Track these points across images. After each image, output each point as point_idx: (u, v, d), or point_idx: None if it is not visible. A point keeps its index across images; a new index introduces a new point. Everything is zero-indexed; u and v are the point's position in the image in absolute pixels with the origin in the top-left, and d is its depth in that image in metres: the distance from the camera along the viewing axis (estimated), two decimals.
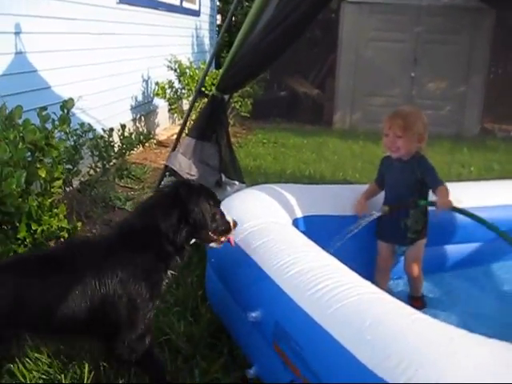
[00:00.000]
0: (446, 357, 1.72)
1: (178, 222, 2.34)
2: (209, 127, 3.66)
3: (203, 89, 4.03)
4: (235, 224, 2.59)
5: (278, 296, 2.31)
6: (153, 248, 2.35)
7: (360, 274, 2.36)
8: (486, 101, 10.38)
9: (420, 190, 3.33)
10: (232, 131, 9.02)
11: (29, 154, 3.17)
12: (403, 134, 3.25)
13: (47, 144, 3.16)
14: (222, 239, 2.57)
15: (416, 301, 3.46)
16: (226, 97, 3.71)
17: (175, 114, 8.85)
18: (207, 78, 7.23)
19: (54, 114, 3.50)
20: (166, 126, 9.05)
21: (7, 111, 3.22)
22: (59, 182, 3.33)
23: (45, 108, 3.37)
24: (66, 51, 5.44)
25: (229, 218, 2.56)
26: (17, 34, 4.61)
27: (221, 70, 3.88)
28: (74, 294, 2.20)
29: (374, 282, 2.70)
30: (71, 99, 3.62)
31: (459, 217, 3.69)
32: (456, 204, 3.43)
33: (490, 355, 1.75)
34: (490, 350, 1.77)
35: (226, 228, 2.55)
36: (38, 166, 3.14)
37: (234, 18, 11.59)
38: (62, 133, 3.83)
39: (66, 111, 3.56)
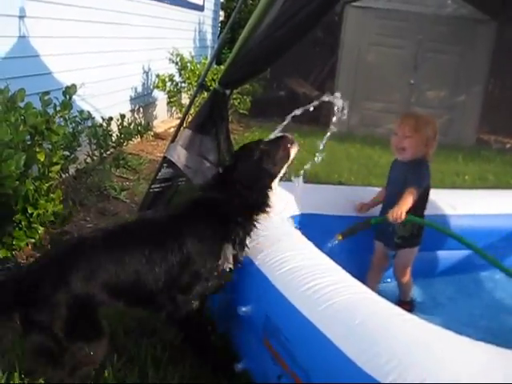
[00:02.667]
0: (433, 357, 1.75)
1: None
2: (209, 121, 3.66)
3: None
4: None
5: (269, 292, 2.34)
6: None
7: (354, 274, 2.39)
8: (483, 112, 10.42)
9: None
10: (230, 128, 9.03)
11: (29, 137, 3.18)
12: (412, 134, 3.26)
13: (47, 128, 3.17)
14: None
15: (404, 305, 3.48)
16: (228, 92, 3.72)
17: (174, 108, 8.86)
18: (209, 72, 7.25)
19: (56, 98, 3.51)
20: (164, 118, 9.05)
21: (10, 94, 3.22)
22: (57, 167, 3.34)
23: (47, 93, 3.37)
24: (70, 38, 5.44)
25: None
26: (21, 17, 4.61)
27: (224, 64, 3.89)
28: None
29: (366, 280, 2.76)
30: (74, 85, 3.62)
31: (450, 224, 3.75)
32: (451, 210, 3.47)
33: (477, 356, 1.78)
34: (477, 352, 1.81)
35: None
36: (38, 149, 3.15)
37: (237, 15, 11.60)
38: (61, 119, 3.84)
39: (68, 97, 3.57)
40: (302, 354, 2.07)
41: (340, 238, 3.25)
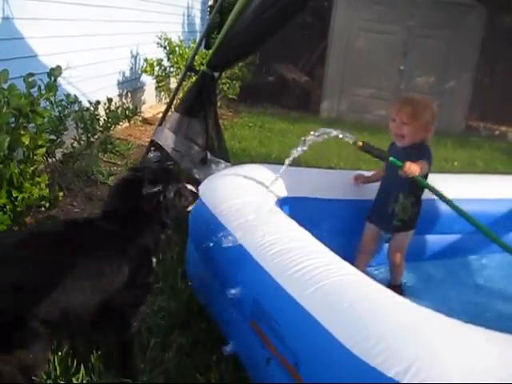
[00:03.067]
0: (423, 339, 1.74)
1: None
2: (197, 104, 3.63)
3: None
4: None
5: (257, 274, 2.31)
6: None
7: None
8: (472, 98, 10.45)
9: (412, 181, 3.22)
10: (218, 113, 8.99)
11: (13, 119, 3.12)
12: (410, 121, 3.22)
13: (32, 111, 3.11)
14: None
15: (394, 289, 3.47)
16: (216, 74, 3.68)
17: (162, 92, 8.78)
18: (196, 57, 7.18)
19: (42, 81, 3.44)
20: (152, 103, 8.97)
21: None
22: (42, 150, 3.28)
23: (31, 74, 3.30)
24: (56, 20, 5.34)
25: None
26: None
27: (213, 47, 3.84)
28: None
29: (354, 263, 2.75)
30: (59, 67, 3.55)
31: (441, 207, 3.74)
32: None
33: (467, 338, 1.77)
34: (467, 334, 1.79)
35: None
36: (22, 132, 3.09)
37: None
38: (47, 102, 3.78)
39: (53, 79, 3.50)
40: (290, 336, 2.05)
41: (361, 143, 3.10)
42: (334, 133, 2.91)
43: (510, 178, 4.41)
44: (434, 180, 3.28)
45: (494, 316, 3.25)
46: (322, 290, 2.03)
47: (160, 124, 3.75)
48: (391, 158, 3.13)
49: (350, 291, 2.02)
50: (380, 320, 1.84)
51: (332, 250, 2.41)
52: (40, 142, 3.19)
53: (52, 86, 3.39)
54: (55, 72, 3.53)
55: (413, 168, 3.03)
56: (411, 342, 1.73)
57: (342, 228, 3.55)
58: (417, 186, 3.27)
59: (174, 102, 4.07)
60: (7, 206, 3.11)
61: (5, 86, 3.13)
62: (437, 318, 1.87)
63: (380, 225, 3.52)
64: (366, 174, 3.65)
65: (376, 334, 1.76)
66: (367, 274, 3.25)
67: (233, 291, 2.40)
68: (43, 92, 3.39)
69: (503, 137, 10.46)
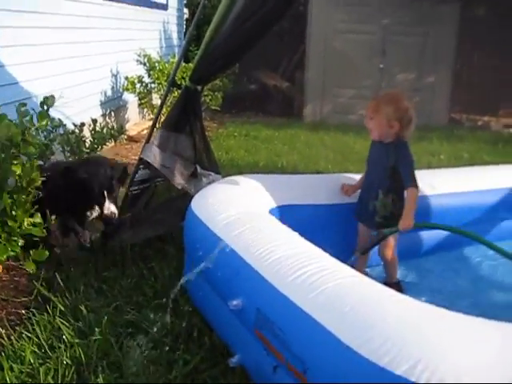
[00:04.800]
0: (428, 335, 1.76)
1: None
2: (183, 119, 3.64)
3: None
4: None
5: (258, 283, 2.31)
6: None
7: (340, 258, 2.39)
8: (453, 91, 10.51)
9: (393, 176, 3.31)
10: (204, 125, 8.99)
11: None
12: (374, 115, 3.32)
13: (23, 140, 3.09)
14: None
15: (391, 287, 3.48)
16: (200, 88, 3.70)
17: (145, 109, 8.79)
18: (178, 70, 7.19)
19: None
20: (136, 121, 8.98)
21: None
22: (37, 183, 3.24)
23: (24, 104, 3.28)
24: (33, 46, 5.33)
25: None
26: None
27: (194, 61, 3.86)
28: None
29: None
30: (52, 96, 3.55)
31: (431, 202, 3.77)
32: (430, 191, 3.49)
33: (473, 332, 1.79)
34: (471, 326, 1.81)
35: None
36: (15, 162, 3.07)
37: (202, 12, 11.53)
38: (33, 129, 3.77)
39: (46, 108, 3.49)
40: (296, 343, 2.05)
41: (358, 254, 3.36)
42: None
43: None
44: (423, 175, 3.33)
45: (493, 306, 3.28)
46: (323, 294, 2.04)
47: (147, 141, 3.75)
48: (386, 231, 3.25)
49: (351, 293, 2.04)
50: (384, 319, 1.85)
51: (330, 254, 2.43)
52: (33, 175, 3.15)
53: (44, 115, 3.37)
54: (48, 101, 3.52)
55: (406, 223, 3.15)
56: (416, 339, 1.75)
57: (336, 232, 3.56)
58: (397, 183, 3.31)
59: (159, 118, 4.07)
60: (2, 236, 3.09)
61: None
62: (439, 313, 1.89)
63: (365, 223, 3.55)
64: (352, 182, 3.66)
65: (381, 334, 1.77)
66: (367, 273, 3.31)
67: (234, 302, 2.40)
68: (33, 122, 3.35)
69: (486, 127, 10.54)
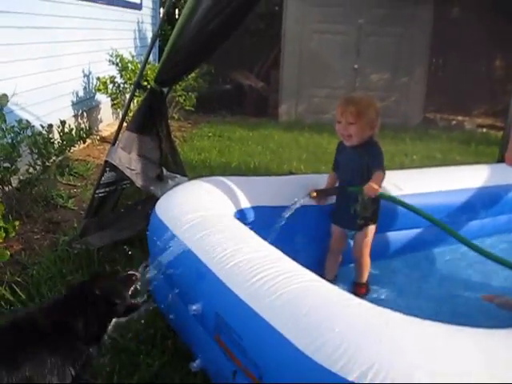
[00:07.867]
0: (381, 339, 1.75)
1: None
2: (148, 121, 3.61)
3: (145, 83, 4.00)
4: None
5: (217, 287, 2.30)
6: None
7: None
8: (427, 91, 10.59)
9: (368, 176, 3.27)
10: (177, 125, 8.96)
11: None
12: (355, 120, 3.25)
13: None
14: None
15: (360, 287, 3.50)
16: (166, 89, 3.67)
17: (118, 110, 8.71)
18: (149, 71, 7.15)
19: None
20: (109, 121, 8.89)
21: None
22: None
23: None
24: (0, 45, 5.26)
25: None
26: None
27: (159, 63, 3.83)
28: None
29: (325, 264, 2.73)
30: (5, 95, 3.51)
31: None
32: (397, 191, 3.50)
33: (427, 336, 1.79)
34: (427, 332, 1.81)
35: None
36: None
37: (177, 10, 11.50)
38: None
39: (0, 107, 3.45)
40: (252, 349, 2.04)
41: (314, 194, 3.32)
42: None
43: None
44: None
45: (459, 306, 3.29)
46: (280, 299, 2.03)
47: (113, 144, 3.71)
48: (350, 189, 3.27)
49: (307, 298, 2.02)
50: (338, 324, 1.84)
51: (293, 257, 2.42)
52: None
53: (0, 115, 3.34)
54: (2, 100, 3.48)
55: (373, 189, 3.13)
56: (369, 344, 1.74)
57: (304, 234, 3.54)
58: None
59: (126, 120, 4.04)
60: None
61: None
62: (394, 317, 1.89)
63: (344, 224, 3.54)
64: (318, 184, 3.64)
65: (334, 339, 1.76)
66: (337, 273, 3.32)
67: (194, 307, 2.39)
68: None
69: (460, 126, 10.64)
